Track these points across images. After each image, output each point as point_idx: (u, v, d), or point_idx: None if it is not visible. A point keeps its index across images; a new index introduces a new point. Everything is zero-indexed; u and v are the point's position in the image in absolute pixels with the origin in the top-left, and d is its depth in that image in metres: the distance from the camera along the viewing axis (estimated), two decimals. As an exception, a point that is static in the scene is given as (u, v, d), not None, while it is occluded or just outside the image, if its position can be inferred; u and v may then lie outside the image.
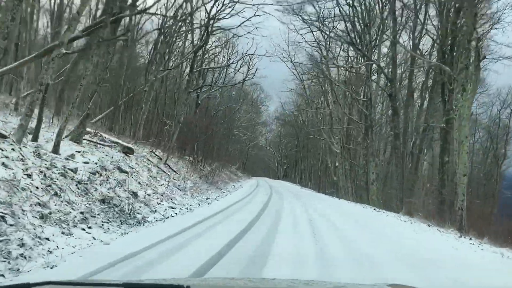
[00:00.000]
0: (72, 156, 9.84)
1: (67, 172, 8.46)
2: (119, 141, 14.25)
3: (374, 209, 15.40)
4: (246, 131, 58.29)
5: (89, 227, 7.17)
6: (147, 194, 11.74)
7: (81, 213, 7.39)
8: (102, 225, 7.59)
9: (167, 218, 9.91)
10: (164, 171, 16.53)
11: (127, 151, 14.26)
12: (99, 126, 19.54)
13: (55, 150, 9.39)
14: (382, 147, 32.68)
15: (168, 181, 15.36)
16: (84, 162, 9.96)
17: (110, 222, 7.96)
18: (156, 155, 18.07)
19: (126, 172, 12.24)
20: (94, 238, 6.65)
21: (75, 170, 8.83)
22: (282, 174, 77.22)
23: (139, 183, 12.38)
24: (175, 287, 1.63)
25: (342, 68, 26.70)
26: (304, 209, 13.91)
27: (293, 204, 15.42)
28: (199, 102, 29.41)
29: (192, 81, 24.99)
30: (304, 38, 28.32)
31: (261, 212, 11.83)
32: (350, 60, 28.37)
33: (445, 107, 16.23)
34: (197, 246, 5.96)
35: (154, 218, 9.71)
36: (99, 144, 13.00)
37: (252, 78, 31.87)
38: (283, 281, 2.53)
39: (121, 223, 8.22)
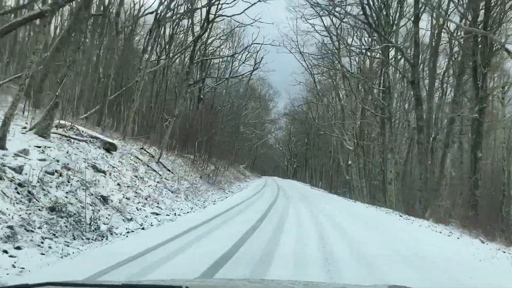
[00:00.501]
0: (25, 151, 7.92)
1: (5, 172, 6.53)
2: (100, 136, 12.34)
3: (400, 216, 12.95)
4: (254, 128, 56.23)
5: (18, 247, 5.22)
6: (126, 198, 9.80)
7: (10, 227, 5.44)
8: (42, 242, 5.64)
9: (143, 228, 7.95)
10: (155, 171, 14.59)
11: (109, 148, 12.35)
12: (92, 122, 17.70)
13: (0, 144, 7.47)
14: (397, 143, 30.50)
15: (158, 182, 13.41)
16: (41, 160, 8.03)
17: (56, 237, 6.01)
18: (148, 152, 16.14)
19: (103, 172, 10.32)
20: (14, 266, 4.69)
21: (19, 169, 6.89)
22: (292, 173, 75.03)
23: (118, 184, 10.45)
24: None
25: (355, 54, 24.42)
26: (313, 216, 11.83)
27: (301, 208, 13.35)
28: (202, 96, 27.45)
29: (192, 73, 23.02)
30: (313, 27, 26.16)
31: (258, 224, 9.71)
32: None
33: (477, 94, 14.01)
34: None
35: (126, 228, 7.76)
36: (73, 139, 11.08)
37: (258, 68, 29.74)
38: (283, 282, 2.45)
39: (74, 238, 6.28)
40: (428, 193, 14.83)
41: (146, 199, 10.83)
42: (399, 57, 18.97)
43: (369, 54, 21.59)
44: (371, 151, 33.25)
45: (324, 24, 25.39)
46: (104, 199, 8.33)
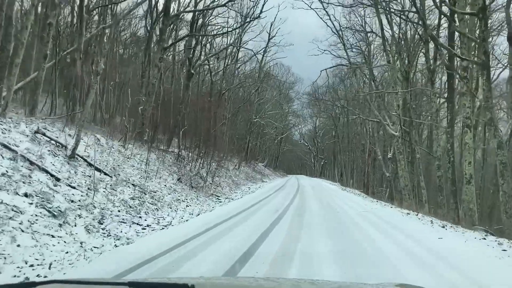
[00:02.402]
0: None
1: None
2: None
3: None
4: (274, 121, 48.85)
5: None
6: None
7: None
8: None
9: None
10: (47, 171, 7.68)
11: None
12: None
13: None
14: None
15: (26, 196, 6.47)
16: None
17: None
18: (52, 139, 9.25)
19: None
20: None
21: None
22: (319, 171, 67.49)
23: None
24: (181, 286, 1.57)
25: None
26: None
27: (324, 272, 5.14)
28: (192, 71, 20.50)
29: (167, 31, 16.20)
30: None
31: None
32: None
33: None
34: None
35: None
36: None
37: (259, 16, 22.44)
38: (288, 280, 2.50)
39: None
40: None
41: None
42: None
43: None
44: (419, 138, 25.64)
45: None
46: None
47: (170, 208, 10.60)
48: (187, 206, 11.83)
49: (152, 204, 10.00)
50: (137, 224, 8.10)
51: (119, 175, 10.44)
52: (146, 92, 16.45)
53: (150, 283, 1.78)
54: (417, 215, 11.52)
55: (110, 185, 9.35)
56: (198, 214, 9.95)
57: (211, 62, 31.37)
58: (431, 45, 18.21)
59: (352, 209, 12.81)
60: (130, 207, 8.94)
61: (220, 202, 14.65)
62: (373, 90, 27.17)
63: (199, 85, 31.00)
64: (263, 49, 31.82)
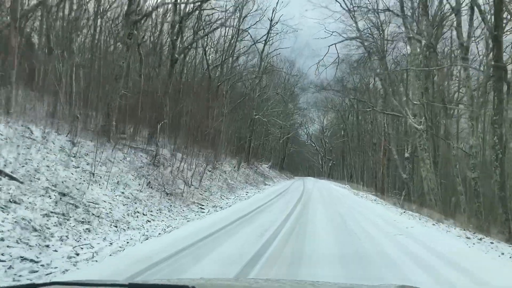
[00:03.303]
0: None
1: None
2: None
3: None
4: (278, 119, 45.38)
5: None
6: None
7: None
8: None
9: None
10: None
11: None
12: None
13: None
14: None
15: None
16: None
17: None
18: None
19: None
20: None
21: None
22: (328, 172, 64.05)
23: None
24: (181, 287, 1.59)
25: None
26: None
27: None
28: (176, 55, 17.31)
29: (137, 0, 13.06)
30: None
31: None
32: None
33: None
34: None
35: None
36: None
37: None
38: (288, 282, 2.41)
39: None
40: None
41: None
42: None
43: None
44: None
45: None
46: None
47: (115, 226, 7.38)
48: (148, 221, 8.63)
49: (82, 222, 6.79)
50: (31, 261, 4.92)
51: (39, 179, 7.23)
52: (113, 77, 13.32)
53: (150, 285, 1.74)
54: (480, 239, 7.94)
55: (11, 196, 6.15)
56: (147, 238, 6.70)
57: (209, 56, 28.30)
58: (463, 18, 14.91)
59: (376, 228, 9.36)
60: (35, 230, 5.74)
61: (203, 212, 11.50)
62: (386, 84, 23.79)
63: (194, 78, 27.87)
64: (265, 36, 28.64)
